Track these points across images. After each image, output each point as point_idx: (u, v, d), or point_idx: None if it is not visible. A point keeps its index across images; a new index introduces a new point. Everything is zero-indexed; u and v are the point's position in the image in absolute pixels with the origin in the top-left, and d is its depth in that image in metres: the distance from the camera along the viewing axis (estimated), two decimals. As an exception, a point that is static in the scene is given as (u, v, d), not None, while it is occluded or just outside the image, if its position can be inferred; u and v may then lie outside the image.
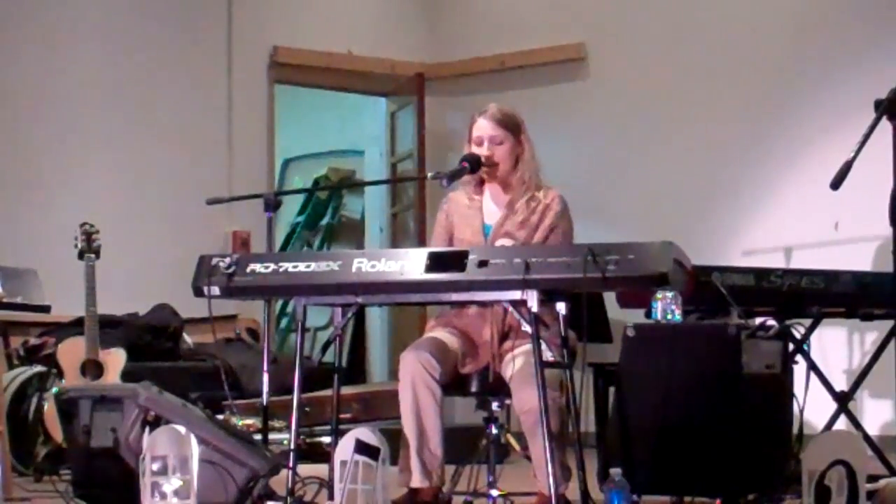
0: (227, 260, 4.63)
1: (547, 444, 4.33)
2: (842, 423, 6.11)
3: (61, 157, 8.37)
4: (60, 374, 6.53)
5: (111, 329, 7.39)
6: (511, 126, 5.00)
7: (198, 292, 4.67)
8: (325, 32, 9.49)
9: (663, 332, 4.93)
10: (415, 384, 4.75)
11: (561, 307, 4.48)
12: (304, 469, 4.75)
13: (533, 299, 4.32)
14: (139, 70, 8.68)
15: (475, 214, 5.05)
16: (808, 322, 5.81)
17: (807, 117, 8.16)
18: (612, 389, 5.41)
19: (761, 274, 5.82)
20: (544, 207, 4.96)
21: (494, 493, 4.78)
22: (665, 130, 8.74)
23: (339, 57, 9.49)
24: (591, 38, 9.12)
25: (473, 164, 4.96)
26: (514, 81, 9.27)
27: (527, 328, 4.37)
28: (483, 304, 4.84)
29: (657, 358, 4.89)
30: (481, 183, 5.07)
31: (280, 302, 10.59)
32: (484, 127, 4.99)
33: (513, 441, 5.78)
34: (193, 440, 4.36)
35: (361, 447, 4.37)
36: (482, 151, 4.97)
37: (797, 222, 8.10)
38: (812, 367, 5.57)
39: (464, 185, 5.07)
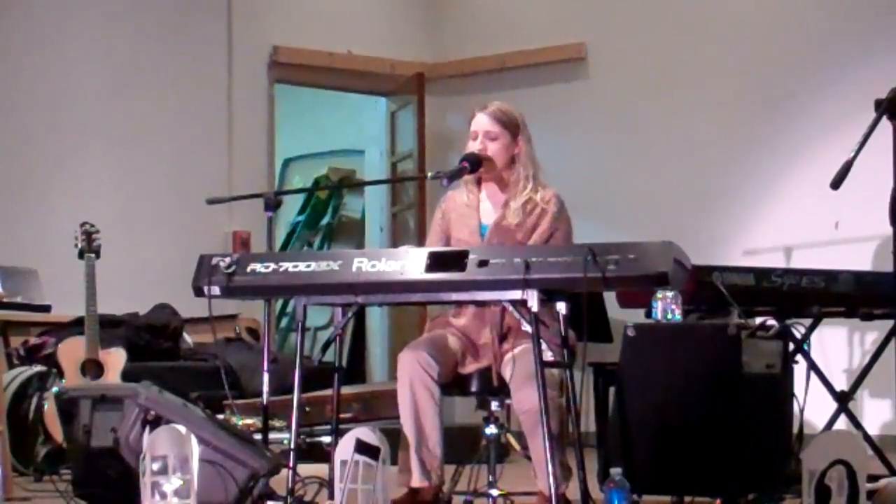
0: (228, 260, 4.63)
1: (547, 443, 4.33)
2: (842, 423, 6.11)
3: (61, 157, 8.37)
4: (60, 374, 6.53)
5: (111, 329, 7.39)
6: (508, 124, 4.99)
7: (198, 292, 4.67)
8: (325, 32, 9.49)
9: (663, 332, 4.93)
10: (413, 384, 4.75)
11: (561, 307, 4.48)
12: (304, 469, 4.75)
13: (533, 299, 4.32)
14: (139, 70, 8.68)
15: (472, 214, 5.04)
16: (808, 322, 5.82)
17: (807, 117, 8.16)
18: (612, 389, 5.41)
19: (761, 274, 5.82)
20: (541, 210, 4.95)
21: (494, 493, 4.79)
22: (665, 130, 8.74)
23: (339, 57, 9.49)
24: (591, 38, 9.12)
25: (473, 163, 4.96)
26: (514, 81, 9.27)
27: (527, 328, 4.37)
28: (482, 304, 4.84)
29: (657, 358, 4.89)
30: (479, 181, 5.07)
31: (280, 302, 10.59)
32: (480, 122, 5.00)
33: (513, 441, 5.77)
34: (193, 440, 4.36)
35: (361, 447, 4.37)
36: (476, 146, 4.98)
37: (797, 222, 8.10)
38: (812, 366, 5.58)
39: (464, 183, 5.07)
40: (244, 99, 9.11)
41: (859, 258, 7.29)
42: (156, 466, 4.34)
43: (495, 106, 5.03)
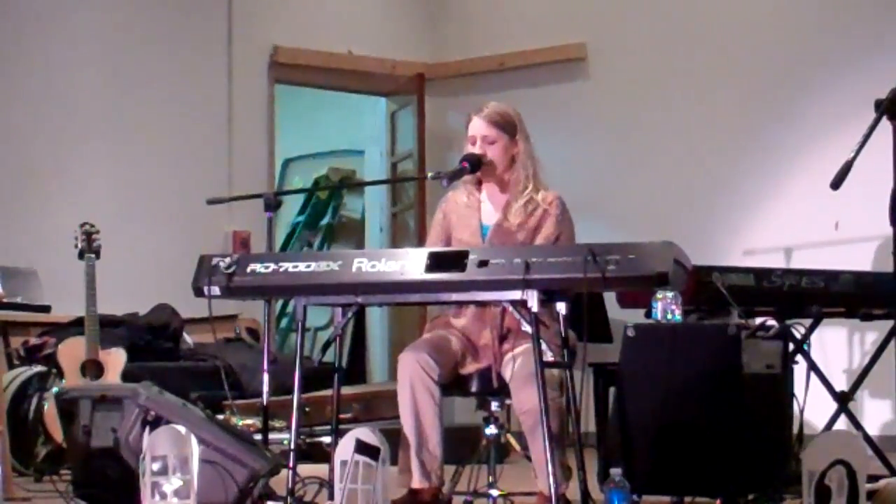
0: (228, 260, 4.63)
1: (547, 444, 4.34)
2: (842, 423, 6.11)
3: (61, 157, 8.37)
4: (60, 374, 6.53)
5: (111, 329, 7.39)
6: (505, 125, 4.99)
7: (198, 292, 4.67)
8: (325, 32, 9.49)
9: (663, 332, 4.93)
10: (413, 385, 4.74)
11: (561, 307, 4.48)
12: (304, 469, 4.75)
13: (533, 299, 4.32)
14: (139, 70, 8.68)
15: (473, 215, 5.04)
16: (808, 322, 5.81)
17: (807, 117, 8.16)
18: (612, 389, 5.41)
19: (761, 274, 5.82)
20: (542, 212, 4.95)
21: (494, 493, 4.79)
22: (665, 130, 8.74)
23: (339, 57, 9.49)
24: (591, 38, 9.12)
25: (473, 164, 4.96)
26: (514, 81, 9.27)
27: (527, 328, 4.37)
28: (482, 305, 4.84)
29: (657, 358, 4.89)
30: (480, 182, 5.06)
31: (280, 302, 10.59)
32: (477, 126, 4.99)
33: (513, 441, 5.77)
34: (193, 440, 4.36)
35: (361, 447, 4.37)
36: (475, 150, 4.98)
37: (797, 222, 8.10)
38: (812, 367, 5.58)
39: (463, 183, 5.07)
40: (244, 99, 9.11)
41: (859, 258, 7.28)
42: (156, 466, 4.34)
43: (490, 108, 5.01)
